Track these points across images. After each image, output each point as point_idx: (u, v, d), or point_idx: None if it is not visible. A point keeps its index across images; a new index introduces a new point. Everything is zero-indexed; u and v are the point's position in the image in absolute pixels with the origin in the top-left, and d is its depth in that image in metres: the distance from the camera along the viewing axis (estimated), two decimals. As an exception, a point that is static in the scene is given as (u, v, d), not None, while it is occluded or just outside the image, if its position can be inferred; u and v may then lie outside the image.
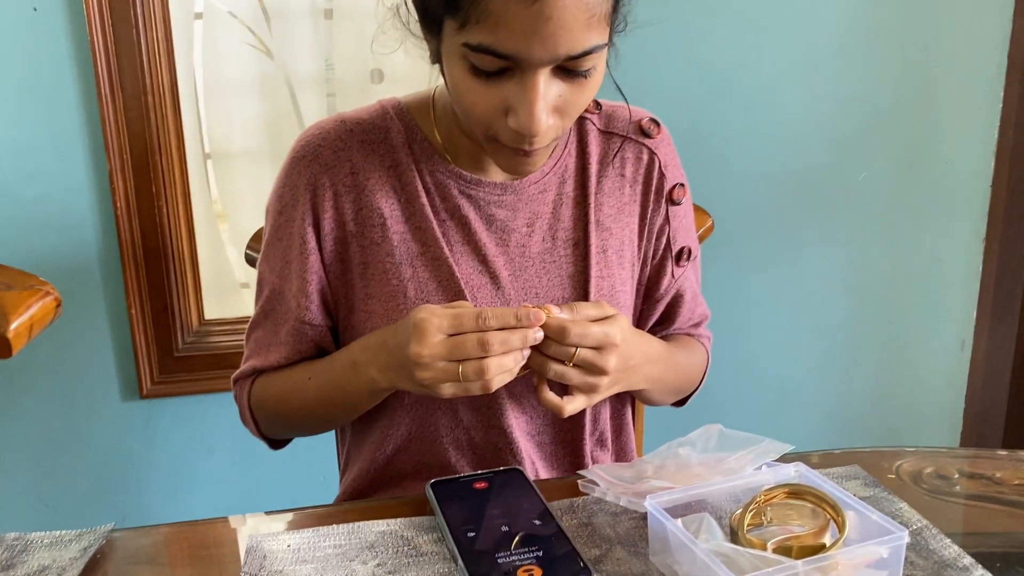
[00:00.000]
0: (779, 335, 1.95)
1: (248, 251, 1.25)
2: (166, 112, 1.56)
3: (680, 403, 1.15)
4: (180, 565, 0.81)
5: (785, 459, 0.82)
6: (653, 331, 1.10)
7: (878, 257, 1.94)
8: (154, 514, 1.73)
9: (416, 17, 0.88)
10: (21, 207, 1.54)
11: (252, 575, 0.75)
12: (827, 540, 0.72)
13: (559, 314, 0.86)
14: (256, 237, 1.22)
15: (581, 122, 1.04)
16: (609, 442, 1.07)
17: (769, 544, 0.71)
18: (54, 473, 1.69)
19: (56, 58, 1.49)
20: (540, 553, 0.73)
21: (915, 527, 0.80)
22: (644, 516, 0.77)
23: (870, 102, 1.83)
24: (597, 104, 1.05)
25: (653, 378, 0.99)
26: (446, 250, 0.97)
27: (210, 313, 1.70)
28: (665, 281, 1.07)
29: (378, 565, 0.76)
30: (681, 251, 1.08)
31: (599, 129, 1.04)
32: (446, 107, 0.98)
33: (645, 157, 1.04)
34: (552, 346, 0.85)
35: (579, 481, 0.85)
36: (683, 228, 1.08)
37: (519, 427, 1.00)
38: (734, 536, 0.73)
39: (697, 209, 1.20)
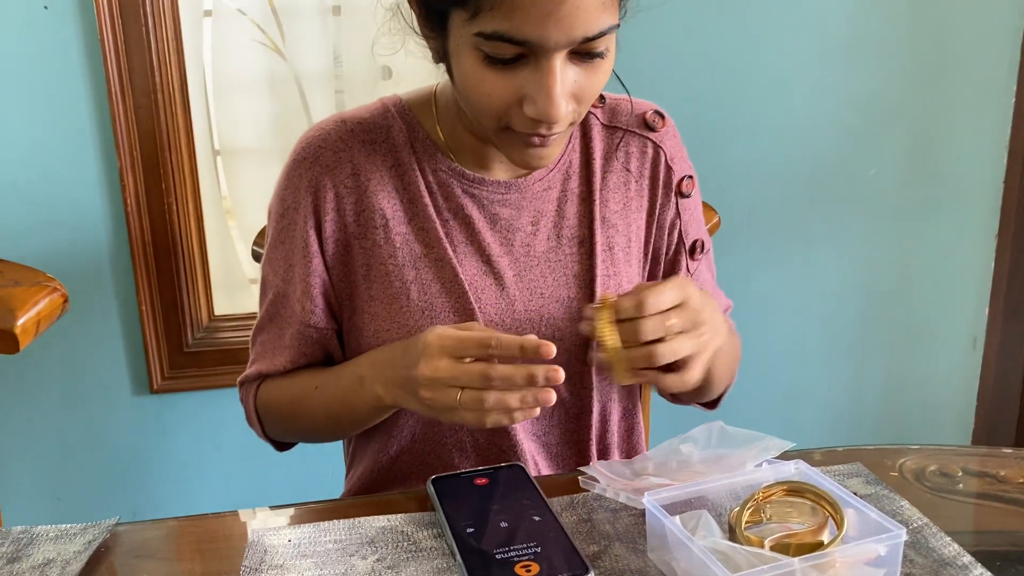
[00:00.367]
0: (788, 333, 1.94)
1: (255, 247, 1.25)
2: (176, 109, 1.57)
3: (714, 404, 1.10)
4: (184, 558, 0.81)
5: (787, 456, 0.82)
6: None
7: (888, 254, 1.93)
8: (164, 508, 1.74)
9: (417, 17, 0.88)
10: (32, 205, 1.56)
11: (253, 569, 0.75)
12: (825, 538, 0.71)
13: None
14: (263, 233, 1.21)
15: (585, 116, 1.01)
16: (616, 443, 1.06)
17: (767, 541, 0.71)
18: (65, 468, 1.70)
19: (66, 56, 1.51)
20: (539, 549, 0.74)
21: (915, 525, 0.79)
22: (643, 513, 0.77)
23: (880, 97, 1.82)
24: (601, 98, 1.04)
25: (723, 334, 0.93)
26: (450, 251, 0.96)
27: (220, 309, 1.71)
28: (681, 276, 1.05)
29: (378, 560, 0.76)
30: (695, 244, 1.07)
31: (603, 123, 1.03)
32: (448, 104, 0.97)
33: (650, 151, 1.03)
34: (648, 327, 0.82)
35: (579, 477, 0.85)
36: (694, 221, 1.07)
37: (524, 428, 0.99)
38: (732, 533, 0.73)
39: (704, 205, 1.19)
